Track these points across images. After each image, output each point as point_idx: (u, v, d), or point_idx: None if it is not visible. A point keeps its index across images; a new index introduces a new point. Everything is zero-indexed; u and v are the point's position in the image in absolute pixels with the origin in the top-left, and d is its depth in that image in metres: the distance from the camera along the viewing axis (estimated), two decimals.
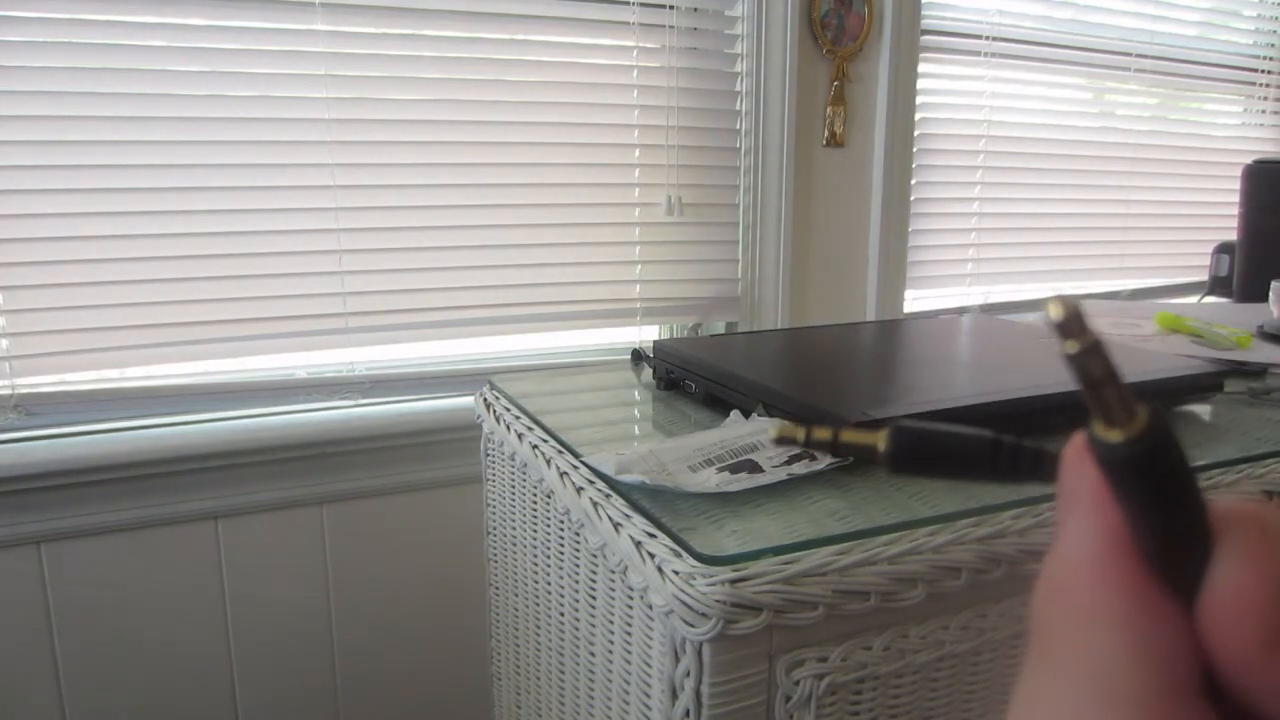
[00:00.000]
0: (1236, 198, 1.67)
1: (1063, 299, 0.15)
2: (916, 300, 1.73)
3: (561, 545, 0.72)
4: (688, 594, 0.49)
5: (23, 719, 1.18)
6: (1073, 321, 0.15)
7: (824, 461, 0.63)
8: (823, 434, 0.22)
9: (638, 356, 1.00)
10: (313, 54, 1.18)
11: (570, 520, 0.67)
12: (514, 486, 0.84)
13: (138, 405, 1.20)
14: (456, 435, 1.31)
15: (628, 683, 0.61)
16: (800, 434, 0.22)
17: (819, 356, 0.90)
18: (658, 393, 0.89)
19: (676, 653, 0.52)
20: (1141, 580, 0.16)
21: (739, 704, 0.51)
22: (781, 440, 0.22)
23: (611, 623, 0.63)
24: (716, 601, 0.49)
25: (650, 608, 0.55)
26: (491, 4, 1.27)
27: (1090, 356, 0.15)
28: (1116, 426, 0.15)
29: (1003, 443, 0.19)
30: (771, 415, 0.70)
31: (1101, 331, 0.15)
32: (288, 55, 1.18)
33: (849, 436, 0.21)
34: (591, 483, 0.64)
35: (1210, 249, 1.81)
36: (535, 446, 0.74)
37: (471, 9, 1.26)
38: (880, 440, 0.20)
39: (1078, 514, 0.16)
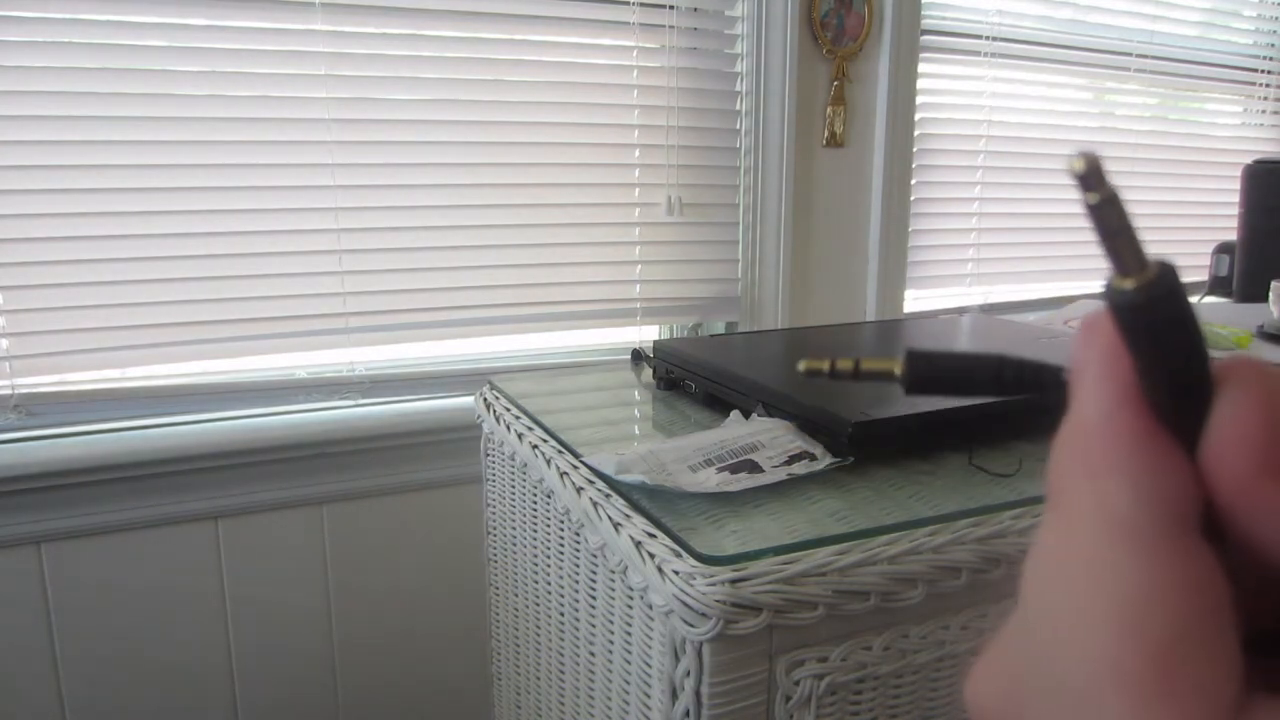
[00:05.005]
0: (1236, 198, 1.68)
1: (1085, 154, 0.16)
2: (916, 300, 1.73)
3: (561, 545, 0.72)
4: (688, 594, 0.49)
5: (23, 719, 1.18)
6: (1093, 174, 0.16)
7: (824, 461, 0.63)
8: (845, 364, 0.24)
9: (638, 356, 1.00)
10: (313, 54, 1.18)
11: (570, 520, 0.67)
12: (514, 486, 0.84)
13: (138, 405, 1.20)
14: (456, 435, 1.31)
15: (628, 683, 0.61)
16: (825, 365, 0.24)
17: (819, 356, 0.90)
18: (658, 393, 0.89)
19: (676, 653, 0.52)
20: (1148, 427, 0.17)
21: (739, 704, 0.51)
22: (809, 372, 0.24)
23: (611, 623, 0.63)
24: (716, 601, 0.49)
25: (650, 608, 0.55)
26: (491, 4, 1.27)
27: (1109, 207, 0.16)
28: (1130, 275, 0.16)
29: (1007, 360, 0.21)
30: (771, 415, 0.70)
31: (1118, 186, 0.16)
32: (288, 55, 1.17)
33: (869, 364, 0.23)
34: (591, 483, 0.64)
35: (1210, 249, 1.81)
36: (535, 446, 0.74)
37: (471, 9, 1.26)
38: (896, 365, 0.22)
39: (1089, 376, 0.18)
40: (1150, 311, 0.16)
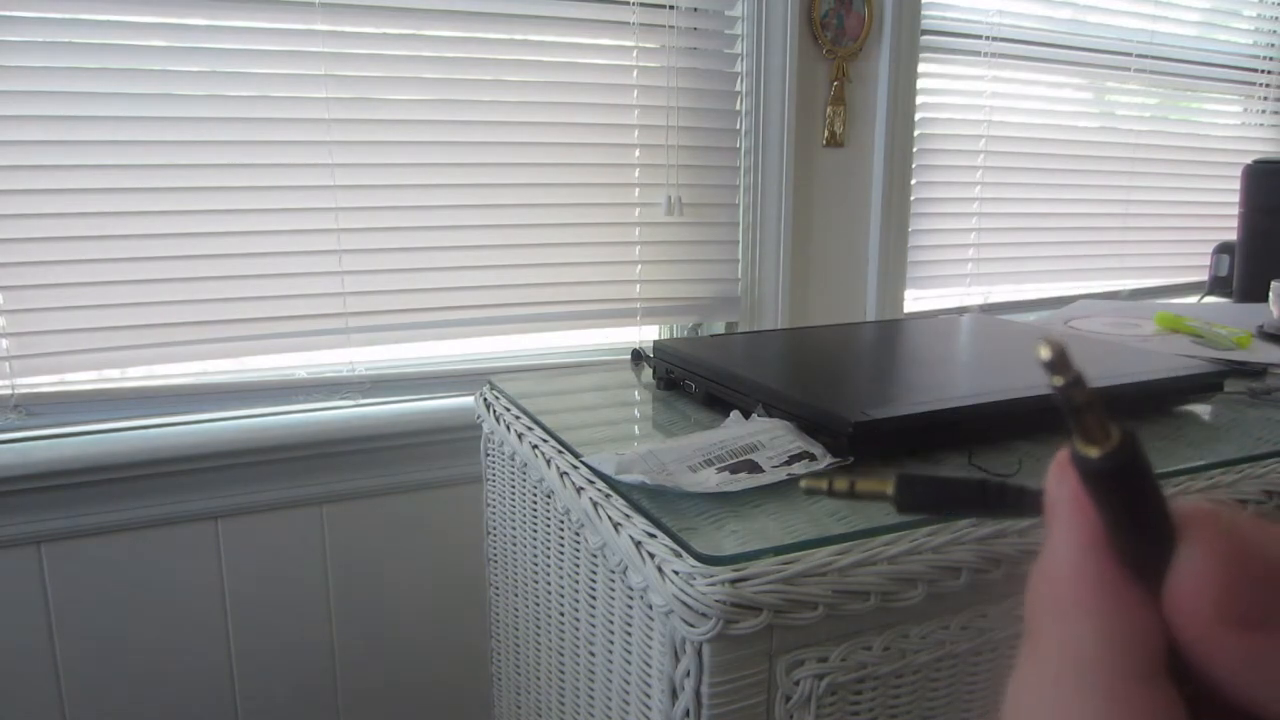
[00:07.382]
0: (1236, 198, 1.67)
1: (1049, 340, 0.17)
2: (916, 300, 1.73)
3: (561, 545, 0.72)
4: (688, 594, 0.49)
5: (23, 719, 1.18)
6: (1059, 360, 0.17)
7: (824, 461, 0.63)
8: (841, 484, 0.25)
9: (638, 356, 1.00)
10: (313, 54, 1.18)
11: (570, 520, 0.67)
12: (514, 486, 0.84)
13: (138, 405, 1.20)
14: (456, 435, 1.31)
15: (628, 683, 0.61)
16: (823, 484, 0.26)
17: (819, 356, 0.90)
18: (658, 393, 0.89)
19: (676, 653, 0.52)
20: (1114, 574, 0.18)
21: (739, 704, 0.51)
22: (809, 490, 0.26)
23: (611, 623, 0.63)
24: (716, 601, 0.49)
25: (650, 608, 0.55)
26: (491, 4, 1.27)
27: (1074, 388, 0.17)
28: (1095, 444, 0.18)
29: (989, 484, 0.22)
30: (771, 415, 0.70)
31: (1083, 367, 0.18)
32: (288, 55, 1.17)
33: (863, 485, 0.25)
34: (591, 483, 0.64)
35: (1210, 249, 1.81)
36: (535, 446, 0.74)
37: (471, 9, 1.26)
38: (889, 487, 0.24)
39: (1060, 521, 0.19)
40: (1114, 477, 0.18)
